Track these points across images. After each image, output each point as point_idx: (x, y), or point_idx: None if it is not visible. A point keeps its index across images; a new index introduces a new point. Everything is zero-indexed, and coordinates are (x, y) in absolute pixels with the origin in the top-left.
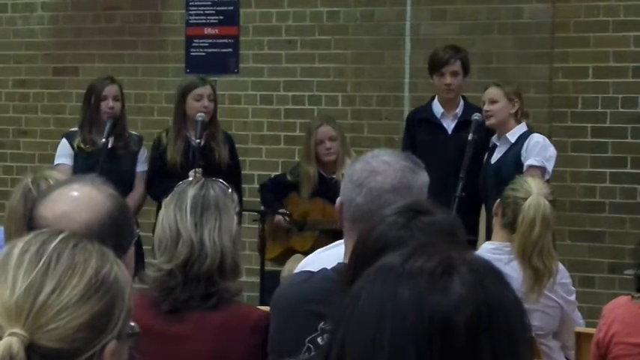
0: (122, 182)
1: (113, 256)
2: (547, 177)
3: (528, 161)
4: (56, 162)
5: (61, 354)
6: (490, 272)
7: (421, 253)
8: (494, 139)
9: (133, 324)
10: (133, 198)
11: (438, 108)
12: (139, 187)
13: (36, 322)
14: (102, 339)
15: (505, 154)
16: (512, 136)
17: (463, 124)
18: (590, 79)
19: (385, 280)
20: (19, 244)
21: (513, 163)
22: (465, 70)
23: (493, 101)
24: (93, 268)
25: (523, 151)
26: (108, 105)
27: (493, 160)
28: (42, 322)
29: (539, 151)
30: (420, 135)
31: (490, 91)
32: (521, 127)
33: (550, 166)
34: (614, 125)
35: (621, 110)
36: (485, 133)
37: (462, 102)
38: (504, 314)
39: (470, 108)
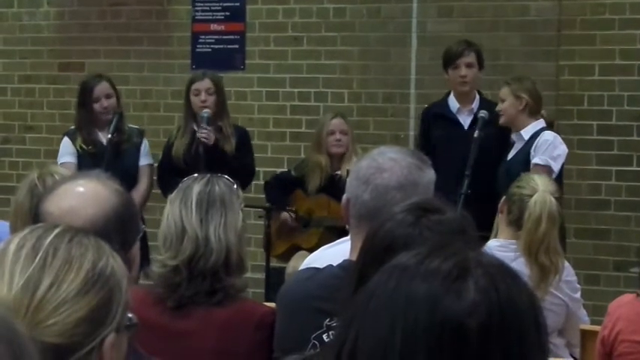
0: (127, 177)
1: (109, 249)
2: (553, 176)
3: (534, 160)
4: (60, 161)
5: (60, 349)
6: (506, 275)
7: (437, 254)
8: (513, 136)
9: (130, 315)
10: (137, 192)
11: (453, 103)
12: (143, 181)
13: (35, 318)
14: (101, 332)
15: (518, 152)
16: (526, 133)
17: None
18: (596, 77)
19: (399, 280)
20: (15, 239)
21: (523, 161)
22: (480, 63)
23: (502, 100)
24: (90, 261)
25: (532, 150)
26: (102, 105)
27: (509, 157)
28: (41, 318)
29: (547, 149)
30: (435, 130)
31: (501, 90)
32: (537, 124)
33: (556, 166)
34: (620, 123)
35: (627, 108)
36: (502, 128)
37: (477, 97)
38: (517, 320)
39: (486, 103)
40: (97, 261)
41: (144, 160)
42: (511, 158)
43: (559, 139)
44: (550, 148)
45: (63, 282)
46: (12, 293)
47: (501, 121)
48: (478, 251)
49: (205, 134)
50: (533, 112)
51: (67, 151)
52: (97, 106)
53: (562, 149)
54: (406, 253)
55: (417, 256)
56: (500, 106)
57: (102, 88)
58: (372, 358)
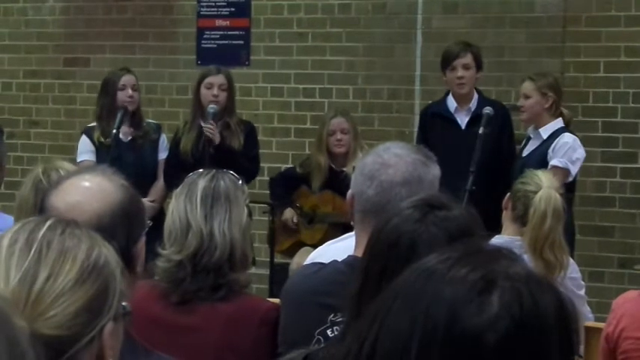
0: (146, 172)
1: (100, 239)
2: (570, 179)
3: (552, 161)
4: (79, 159)
5: (61, 340)
6: (536, 291)
7: (466, 262)
8: (529, 130)
9: (124, 304)
10: (157, 187)
11: (452, 103)
12: (161, 176)
13: (34, 311)
14: (99, 321)
15: (535, 150)
16: (545, 132)
17: (477, 118)
18: (601, 74)
19: (425, 283)
20: (8, 234)
21: (539, 161)
22: (478, 64)
23: (526, 96)
24: (84, 252)
25: (550, 151)
26: (127, 94)
27: (524, 153)
28: (40, 311)
29: (566, 152)
30: (432, 129)
31: (524, 86)
32: (556, 124)
33: (574, 169)
34: (625, 120)
35: (632, 105)
36: (503, 122)
37: (476, 96)
38: (539, 340)
39: (485, 102)
40: (90, 251)
41: (162, 155)
42: (527, 155)
43: (578, 142)
44: (569, 151)
45: (59, 274)
46: (9, 288)
47: (523, 117)
48: (509, 261)
49: (211, 129)
50: (557, 110)
51: (85, 149)
52: (121, 94)
53: (580, 153)
54: (436, 255)
55: (446, 261)
56: (522, 102)
57: (129, 79)
58: (389, 358)
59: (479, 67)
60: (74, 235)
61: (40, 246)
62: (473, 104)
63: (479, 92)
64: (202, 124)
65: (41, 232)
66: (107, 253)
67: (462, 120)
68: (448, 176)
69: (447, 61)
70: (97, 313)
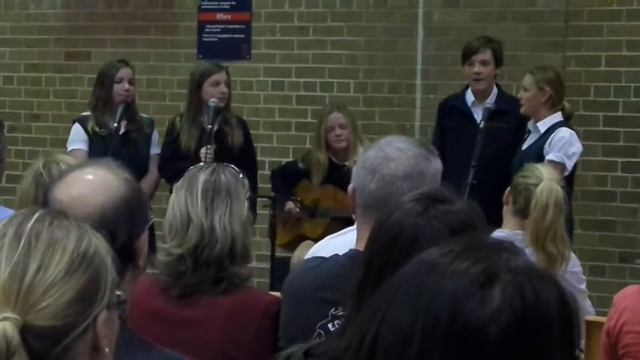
0: (138, 166)
1: (90, 228)
2: (566, 173)
3: (549, 156)
4: (70, 148)
5: (55, 331)
6: (538, 284)
7: (468, 255)
8: (529, 124)
9: (118, 292)
10: (147, 181)
11: (470, 97)
12: (153, 170)
13: (26, 303)
14: (93, 310)
15: (532, 144)
16: (543, 126)
17: (495, 113)
18: (602, 68)
19: (427, 276)
20: None
21: (536, 155)
22: (497, 60)
23: (525, 89)
24: (73, 242)
25: (546, 145)
26: (124, 87)
27: (524, 147)
28: (32, 302)
29: (562, 146)
30: (449, 123)
31: (524, 79)
32: (554, 118)
33: (570, 164)
34: (627, 114)
35: (634, 99)
36: (520, 120)
37: (495, 91)
38: (542, 333)
39: (504, 97)
40: (79, 241)
41: (154, 150)
42: (525, 149)
43: (575, 136)
44: (566, 146)
45: (49, 265)
46: (0, 282)
47: (522, 110)
48: (511, 254)
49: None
50: (555, 104)
51: (77, 138)
52: (118, 87)
53: (577, 147)
54: (438, 248)
55: (448, 254)
56: (521, 95)
57: (127, 72)
58: (391, 351)
59: (498, 63)
60: (63, 225)
61: (28, 238)
62: (490, 100)
63: (499, 88)
64: (205, 123)
65: (29, 224)
66: (97, 242)
67: (479, 115)
68: (460, 169)
69: (465, 56)
70: (90, 302)
